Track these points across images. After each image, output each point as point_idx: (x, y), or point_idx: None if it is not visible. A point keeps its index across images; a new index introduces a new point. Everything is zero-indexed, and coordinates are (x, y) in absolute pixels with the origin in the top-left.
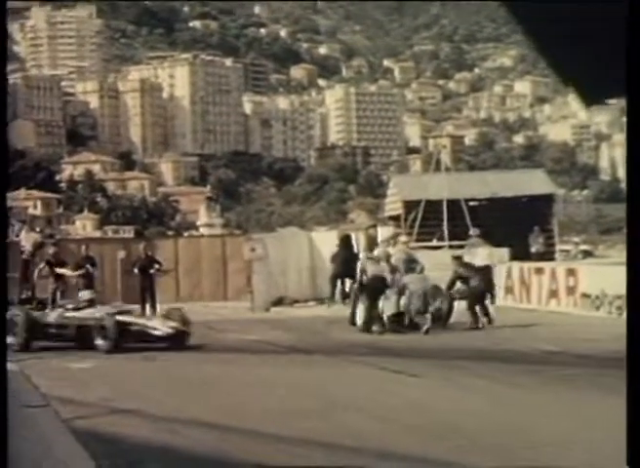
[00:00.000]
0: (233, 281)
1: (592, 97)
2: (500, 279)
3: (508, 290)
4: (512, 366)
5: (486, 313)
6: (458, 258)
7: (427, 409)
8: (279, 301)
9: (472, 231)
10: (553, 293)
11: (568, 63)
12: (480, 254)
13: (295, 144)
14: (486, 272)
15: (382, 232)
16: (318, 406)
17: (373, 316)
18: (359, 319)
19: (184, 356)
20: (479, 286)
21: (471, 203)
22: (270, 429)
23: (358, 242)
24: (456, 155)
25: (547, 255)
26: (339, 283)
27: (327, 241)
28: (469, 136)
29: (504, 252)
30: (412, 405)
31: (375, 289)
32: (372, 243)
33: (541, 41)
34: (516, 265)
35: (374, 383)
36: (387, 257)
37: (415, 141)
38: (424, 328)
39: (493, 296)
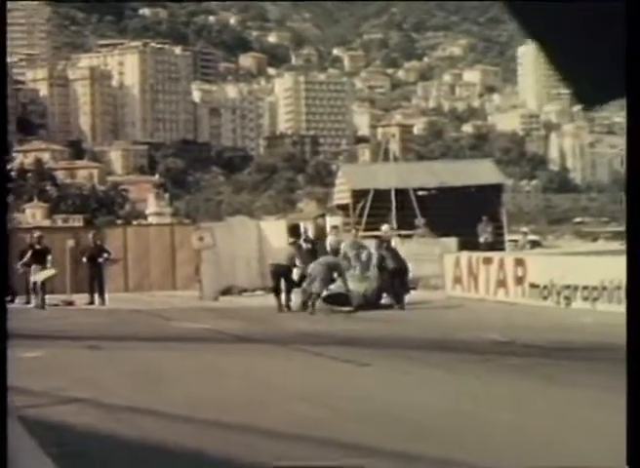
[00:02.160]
0: (182, 270)
1: (592, 98)
2: (448, 269)
3: (457, 279)
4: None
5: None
6: (383, 242)
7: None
8: (228, 290)
9: (418, 221)
10: (501, 283)
11: (567, 63)
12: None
13: (244, 133)
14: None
15: (331, 221)
16: (267, 395)
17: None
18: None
19: (131, 345)
20: (393, 268)
21: (420, 192)
22: (218, 418)
23: (307, 230)
24: (404, 144)
25: (496, 245)
26: None
27: (276, 230)
28: (418, 126)
29: (452, 241)
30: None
31: (272, 274)
32: (320, 232)
33: (541, 41)
34: (464, 255)
35: (322, 372)
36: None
37: (364, 131)
38: (309, 309)
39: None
